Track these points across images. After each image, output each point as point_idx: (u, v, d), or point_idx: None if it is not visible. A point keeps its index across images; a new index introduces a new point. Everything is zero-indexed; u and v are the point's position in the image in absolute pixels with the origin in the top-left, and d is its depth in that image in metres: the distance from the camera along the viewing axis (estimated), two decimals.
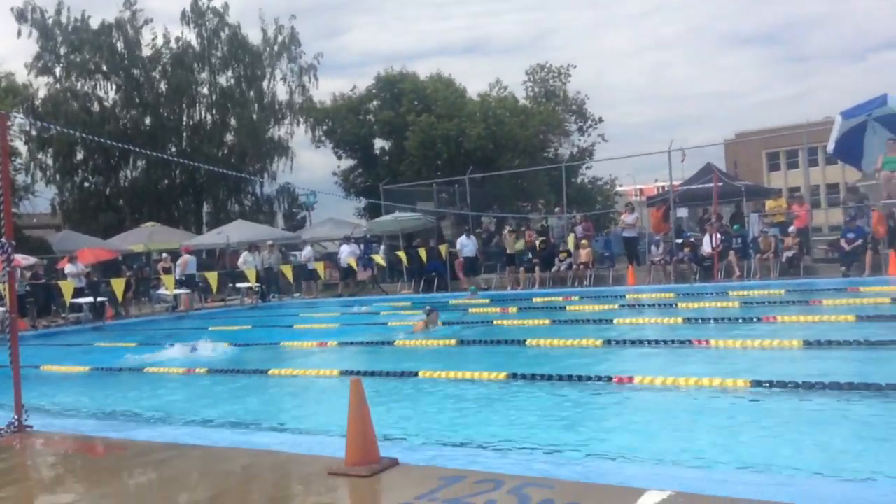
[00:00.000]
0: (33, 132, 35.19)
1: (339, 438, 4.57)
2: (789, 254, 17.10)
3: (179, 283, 20.71)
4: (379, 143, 33.72)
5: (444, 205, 25.18)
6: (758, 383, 6.22)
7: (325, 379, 8.49)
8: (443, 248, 22.09)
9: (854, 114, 16.32)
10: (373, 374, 8.12)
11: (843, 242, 16.51)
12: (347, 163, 34.44)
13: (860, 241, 16.18)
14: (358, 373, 8.24)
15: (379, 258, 23.82)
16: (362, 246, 28.32)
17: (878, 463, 4.35)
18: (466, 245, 21.78)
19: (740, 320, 10.68)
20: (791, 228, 17.85)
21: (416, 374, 7.96)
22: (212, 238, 28.96)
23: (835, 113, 16.85)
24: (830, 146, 17.05)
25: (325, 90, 73.97)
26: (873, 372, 6.83)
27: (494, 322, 12.83)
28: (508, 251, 21.39)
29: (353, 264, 23.41)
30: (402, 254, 22.12)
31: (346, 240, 25.62)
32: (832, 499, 3.46)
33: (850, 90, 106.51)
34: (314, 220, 37.38)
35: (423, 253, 21.85)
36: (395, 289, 22.91)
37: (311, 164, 72.25)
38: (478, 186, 25.89)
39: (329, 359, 10.33)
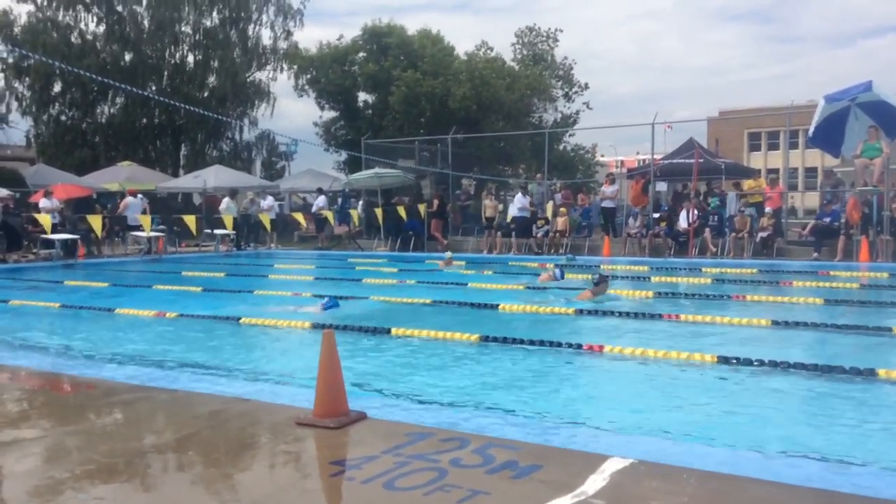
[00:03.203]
0: (10, 60, 34.33)
1: (310, 390, 4.59)
2: (764, 234, 17.29)
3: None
4: (363, 97, 33.30)
5: (426, 163, 25.03)
6: (724, 359, 6.32)
7: (297, 330, 8.49)
8: (421, 207, 22.02)
9: (837, 98, 16.37)
10: (346, 328, 8.13)
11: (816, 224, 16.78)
12: (329, 114, 34.01)
13: (835, 225, 16.40)
14: (331, 326, 8.25)
15: (355, 213, 23.72)
16: (340, 200, 28.17)
17: (837, 443, 4.46)
18: (521, 204, 20.62)
19: (711, 297, 10.81)
20: (767, 209, 18.03)
21: (388, 332, 7.98)
22: (189, 181, 28.62)
23: (819, 96, 16.90)
24: (811, 130, 17.13)
25: (311, 38, 72.72)
26: (838, 355, 6.97)
27: (469, 284, 12.88)
28: (487, 215, 21.37)
29: (331, 217, 23.28)
30: (379, 211, 22.04)
31: (320, 191, 25.42)
32: (790, 474, 3.54)
33: (837, 74, 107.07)
34: (293, 171, 37.06)
35: (401, 211, 21.78)
36: (371, 245, 22.88)
37: (293, 112, 71.47)
38: (460, 147, 25.74)
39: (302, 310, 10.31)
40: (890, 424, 4.98)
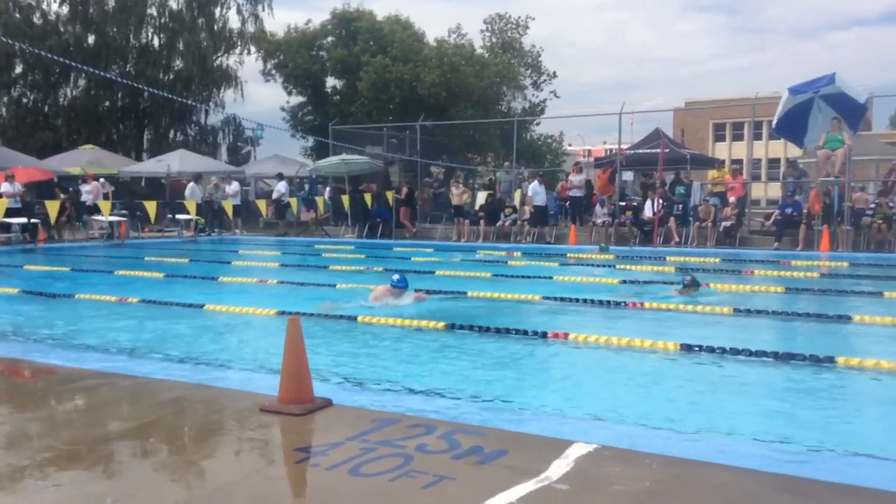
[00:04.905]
0: None
1: (275, 377, 4.56)
2: (727, 223, 17.53)
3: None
4: (331, 82, 33.00)
5: (394, 150, 24.92)
6: (687, 346, 6.40)
7: (262, 318, 8.42)
8: (389, 194, 21.94)
9: (802, 90, 16.62)
10: (312, 315, 8.08)
11: (778, 214, 17.08)
12: (297, 99, 33.65)
13: (796, 216, 16.68)
14: (296, 313, 8.19)
15: (322, 200, 23.55)
16: (307, 186, 27.94)
17: (799, 429, 4.55)
18: (538, 192, 20.11)
19: (675, 285, 10.93)
20: (731, 199, 18.28)
21: (355, 319, 7.95)
22: (152, 166, 28.15)
23: (784, 88, 17.13)
24: (775, 121, 17.38)
25: (279, 22, 71.82)
26: (799, 343, 7.11)
27: (437, 272, 12.88)
28: (455, 203, 21.37)
29: (294, 204, 23.07)
30: (346, 198, 21.91)
31: (280, 177, 25.13)
32: (752, 459, 3.61)
33: (802, 67, 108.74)
34: (259, 156, 36.66)
35: (368, 198, 21.69)
36: (338, 232, 22.75)
37: (260, 97, 70.67)
38: (429, 134, 25.66)
39: (268, 297, 10.23)
40: (849, 410, 5.09)
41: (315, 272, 12.96)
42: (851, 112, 16.57)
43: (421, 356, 6.62)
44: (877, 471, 3.64)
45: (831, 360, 5.91)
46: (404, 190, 22.11)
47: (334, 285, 10.98)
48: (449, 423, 4.05)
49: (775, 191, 25.96)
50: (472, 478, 3.29)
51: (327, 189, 25.00)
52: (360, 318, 7.93)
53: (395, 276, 8.99)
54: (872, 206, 16.54)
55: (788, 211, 16.99)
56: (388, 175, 24.87)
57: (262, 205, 23.70)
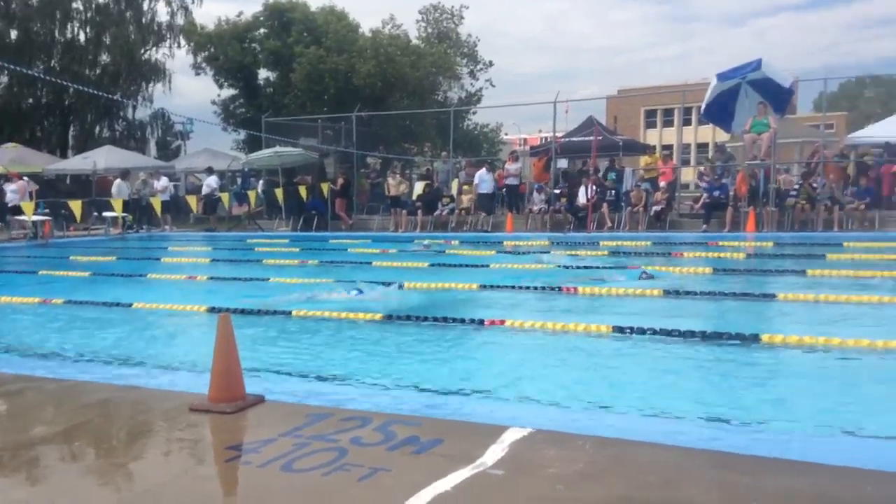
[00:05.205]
0: None
1: (206, 376, 4.45)
2: (657, 208, 17.89)
3: None
4: (263, 74, 32.44)
5: (329, 141, 24.64)
6: (620, 329, 6.51)
7: (192, 314, 8.23)
8: (325, 186, 21.70)
9: (729, 76, 17.02)
10: (243, 311, 7.94)
11: (706, 197, 17.50)
12: (228, 92, 32.99)
13: (723, 198, 17.12)
14: (227, 309, 8.02)
15: (254, 194, 23.13)
16: (239, 180, 27.42)
17: (728, 406, 4.67)
18: (485, 180, 20.30)
19: (608, 269, 11.10)
20: (661, 184, 18.66)
21: (289, 314, 7.84)
22: (78, 163, 27.24)
23: (713, 74, 17.52)
24: (704, 107, 17.77)
25: (209, 14, 70.06)
26: (727, 322, 7.30)
27: (374, 263, 12.81)
28: (391, 193, 21.27)
29: (225, 199, 22.62)
30: (279, 191, 21.58)
31: (210, 171, 24.58)
32: (684, 437, 3.68)
33: (730, 53, 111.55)
34: (189, 150, 35.85)
35: (303, 190, 21.41)
36: (272, 226, 22.41)
37: (190, 90, 69.07)
38: (365, 125, 25.47)
39: (198, 294, 10.01)
40: (775, 387, 5.25)
41: (248, 267, 12.74)
42: (777, 96, 17.04)
43: (357, 348, 6.56)
44: (805, 444, 3.76)
45: (757, 338, 6.08)
46: (340, 181, 21.89)
47: (268, 279, 10.80)
48: (384, 415, 4.02)
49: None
50: (408, 468, 3.28)
51: (260, 182, 24.57)
52: (294, 313, 7.82)
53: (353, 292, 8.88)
54: (796, 187, 17.10)
55: (716, 194, 17.42)
56: (324, 167, 24.58)
57: (192, 200, 23.15)
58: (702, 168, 21.95)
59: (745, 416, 4.42)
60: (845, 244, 12.76)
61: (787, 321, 7.41)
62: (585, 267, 11.24)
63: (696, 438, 3.70)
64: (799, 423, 4.21)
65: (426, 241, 15.90)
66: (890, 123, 23.74)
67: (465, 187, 20.52)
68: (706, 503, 2.85)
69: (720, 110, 17.74)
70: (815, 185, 16.86)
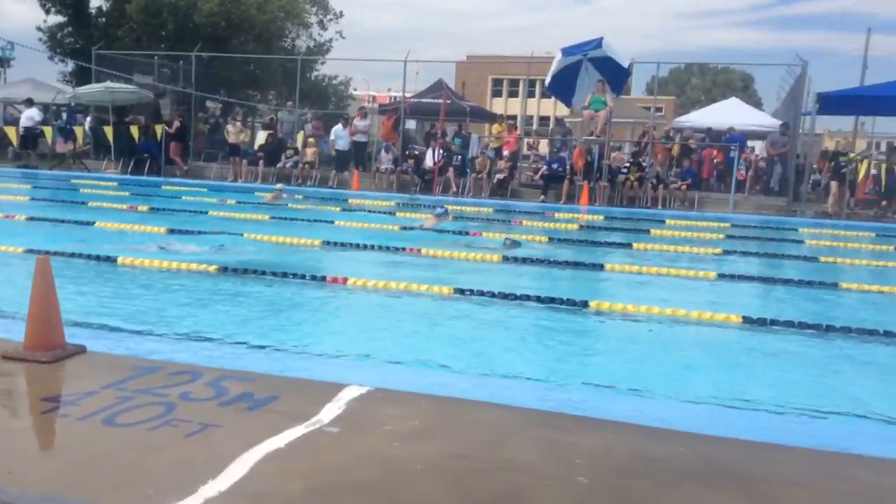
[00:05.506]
0: None
1: (21, 322, 4.10)
2: (500, 176, 18.36)
3: None
4: (96, 2, 29.91)
5: (166, 81, 23.18)
6: (460, 291, 6.65)
7: (8, 256, 7.55)
8: (159, 128, 20.45)
9: (572, 52, 17.63)
10: (71, 255, 7.38)
11: (545, 169, 18.17)
12: (56, 19, 30.13)
13: (561, 171, 17.83)
14: (46, 252, 7.43)
15: (81, 131, 21.43)
16: (64, 115, 25.30)
17: (556, 368, 4.91)
18: (342, 136, 19.80)
19: (451, 233, 11.30)
20: (504, 153, 19.15)
21: (114, 261, 7.37)
22: None
23: (557, 49, 18.07)
24: (548, 79, 18.33)
25: None
26: (560, 288, 7.65)
27: (210, 213, 12.29)
28: (231, 141, 20.43)
29: (48, 133, 20.80)
30: (109, 129, 20.13)
31: (30, 102, 22.43)
32: (515, 396, 3.83)
33: (574, 29, 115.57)
34: (10, 79, 32.64)
35: (135, 130, 20.08)
36: (99, 166, 20.90)
37: (12, 14, 62.58)
38: (205, 67, 24.15)
39: (14, 235, 9.18)
40: (600, 348, 5.58)
41: (71, 209, 11.84)
42: (616, 75, 17.89)
43: (190, 301, 6.30)
44: (618, 403, 4.02)
45: (585, 304, 6.42)
46: (176, 124, 20.68)
47: (93, 223, 10.10)
48: (217, 370, 3.88)
49: (544, 147, 27.54)
50: (240, 424, 3.18)
51: (88, 119, 22.76)
52: (120, 260, 7.37)
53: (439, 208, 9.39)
54: (627, 165, 18.10)
55: (554, 166, 18.10)
56: (159, 107, 23.09)
57: (11, 132, 21.11)
58: (530, 140, 22.82)
59: (571, 377, 4.66)
60: (668, 221, 13.70)
61: (614, 289, 7.87)
62: (430, 230, 11.38)
63: (526, 398, 3.86)
64: (620, 385, 4.50)
65: (278, 185, 15.57)
66: (712, 111, 25.71)
67: (311, 140, 20.07)
68: (533, 459, 2.98)
69: (563, 85, 18.38)
70: (643, 164, 17.92)
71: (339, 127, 20.33)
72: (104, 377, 3.63)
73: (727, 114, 23.03)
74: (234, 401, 3.44)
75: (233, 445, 2.94)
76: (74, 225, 10.08)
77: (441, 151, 18.66)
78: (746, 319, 6.04)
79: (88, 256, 7.46)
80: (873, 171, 16.91)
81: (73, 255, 7.47)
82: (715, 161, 19.25)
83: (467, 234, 11.07)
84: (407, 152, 19.76)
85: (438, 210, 11.84)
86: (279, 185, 16.43)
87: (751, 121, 22.98)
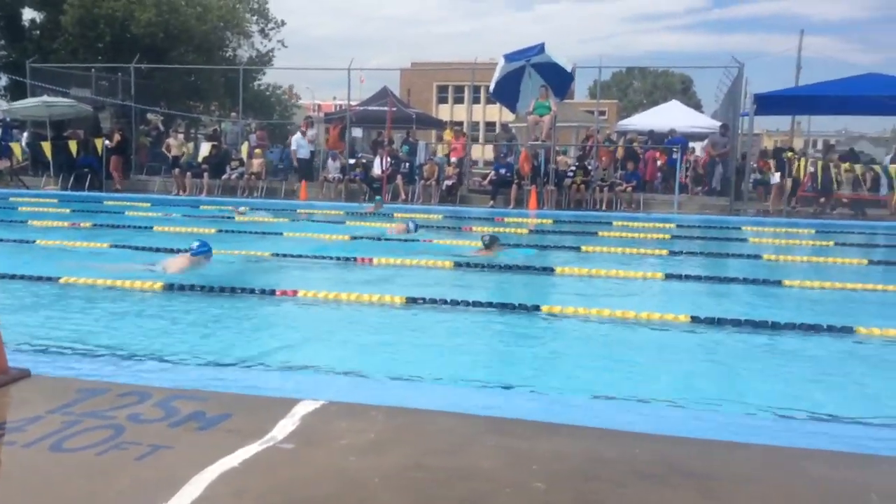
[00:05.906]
0: None
1: None
2: (449, 182, 18.42)
3: None
4: (29, 14, 29.16)
5: (104, 93, 22.67)
6: (412, 300, 6.64)
7: None
8: (98, 142, 19.98)
9: (515, 58, 17.79)
10: (12, 277, 7.16)
11: (493, 174, 18.29)
12: None
13: (508, 176, 17.97)
14: None
15: (18, 147, 20.81)
16: (0, 131, 24.51)
17: (508, 373, 4.93)
18: (302, 145, 19.68)
19: (402, 241, 11.28)
20: (452, 159, 19.22)
21: (57, 280, 7.18)
22: None
23: (500, 55, 18.21)
24: (492, 86, 18.47)
25: None
26: (511, 293, 7.70)
27: (155, 228, 12.05)
28: (173, 153, 20.06)
29: None
30: (47, 145, 19.58)
31: None
32: (468, 404, 3.83)
33: (516, 36, 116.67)
34: None
35: (74, 145, 19.58)
36: (38, 183, 20.33)
37: None
38: (145, 78, 23.71)
39: None
40: (551, 353, 5.62)
41: (9, 228, 11.49)
42: (559, 80, 18.11)
43: (137, 320, 6.15)
44: (573, 407, 4.06)
45: (537, 308, 6.48)
46: (116, 138, 20.24)
47: (34, 242, 9.82)
48: (166, 390, 3.79)
49: (490, 152, 27.75)
50: (193, 444, 3.13)
51: (25, 134, 22.12)
52: (63, 280, 7.17)
53: (195, 243, 8.18)
54: (573, 168, 18.34)
55: (502, 171, 18.24)
56: (98, 121, 22.58)
57: None
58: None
59: (525, 382, 4.69)
60: (615, 223, 13.90)
61: (565, 293, 7.95)
62: (378, 239, 11.34)
63: (481, 405, 3.86)
64: (573, 390, 4.54)
65: (242, 208, 15.17)
66: (654, 113, 26.22)
67: (257, 151, 19.83)
68: (491, 467, 2.99)
69: (507, 91, 18.54)
70: (589, 167, 18.17)
71: (298, 136, 20.24)
72: (50, 401, 3.53)
73: (668, 116, 23.55)
74: (185, 420, 3.38)
75: (185, 467, 2.88)
76: (14, 244, 9.78)
77: (389, 159, 18.63)
78: (695, 319, 6.16)
79: (31, 277, 7.24)
80: (811, 169, 17.45)
81: (13, 276, 7.24)
82: (658, 163, 19.64)
83: (417, 241, 11.06)
84: (354, 161, 19.68)
85: (410, 224, 11.85)
86: (378, 198, 16.30)
87: (691, 122, 23.52)
